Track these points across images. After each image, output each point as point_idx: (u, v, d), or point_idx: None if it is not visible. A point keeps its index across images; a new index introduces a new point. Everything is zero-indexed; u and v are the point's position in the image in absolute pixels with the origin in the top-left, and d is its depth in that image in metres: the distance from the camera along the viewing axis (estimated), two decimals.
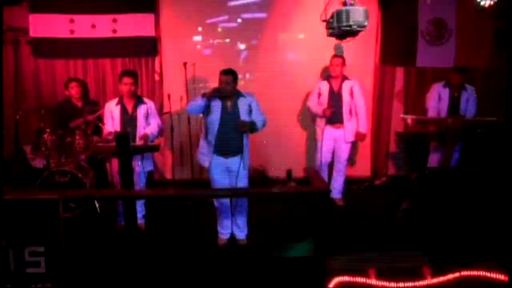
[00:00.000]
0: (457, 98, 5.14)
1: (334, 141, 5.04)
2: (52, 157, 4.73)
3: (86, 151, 4.80)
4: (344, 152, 5.07)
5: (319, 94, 5.02)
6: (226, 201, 3.98)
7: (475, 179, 4.47)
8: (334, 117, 4.94)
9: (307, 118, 5.66)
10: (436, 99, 5.15)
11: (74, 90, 5.17)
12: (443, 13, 5.85)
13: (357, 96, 5.01)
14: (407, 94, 6.04)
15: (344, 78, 5.00)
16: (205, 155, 3.93)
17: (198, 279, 3.67)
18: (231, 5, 5.74)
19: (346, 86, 4.97)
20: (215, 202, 3.99)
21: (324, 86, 5.00)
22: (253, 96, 3.99)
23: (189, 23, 5.75)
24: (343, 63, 4.92)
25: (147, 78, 5.75)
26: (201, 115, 3.98)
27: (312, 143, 5.39)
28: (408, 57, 5.90)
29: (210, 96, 3.80)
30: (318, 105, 5.04)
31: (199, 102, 3.84)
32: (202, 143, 3.97)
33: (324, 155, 5.03)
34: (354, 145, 5.33)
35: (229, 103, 3.88)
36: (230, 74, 3.86)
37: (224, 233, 4.05)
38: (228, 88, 3.83)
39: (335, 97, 4.96)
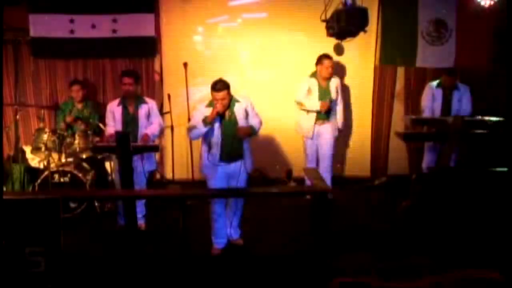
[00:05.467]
0: (449, 98, 5.18)
1: (319, 137, 5.15)
2: (52, 157, 4.73)
3: (86, 151, 4.80)
4: (329, 147, 5.18)
5: (308, 91, 5.08)
6: (223, 209, 3.95)
7: (475, 179, 4.49)
8: (323, 113, 5.06)
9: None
10: (431, 99, 5.20)
11: (75, 93, 5.25)
12: (443, 13, 5.84)
13: (340, 93, 5.22)
14: (407, 94, 6.04)
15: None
16: (209, 167, 3.90)
17: (198, 278, 3.68)
18: (231, 5, 5.74)
19: (333, 83, 5.13)
20: (213, 212, 3.94)
21: (313, 83, 5.08)
22: (247, 100, 3.95)
23: (189, 23, 5.75)
24: (333, 64, 5.04)
25: (147, 78, 5.75)
26: None
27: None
28: (408, 57, 5.89)
29: (212, 121, 3.76)
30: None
31: (202, 130, 3.80)
32: (205, 154, 3.91)
33: (313, 152, 5.17)
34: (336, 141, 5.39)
35: (226, 112, 3.85)
36: (224, 90, 3.72)
37: (218, 243, 3.98)
38: (226, 104, 3.77)
39: (324, 94, 5.07)
